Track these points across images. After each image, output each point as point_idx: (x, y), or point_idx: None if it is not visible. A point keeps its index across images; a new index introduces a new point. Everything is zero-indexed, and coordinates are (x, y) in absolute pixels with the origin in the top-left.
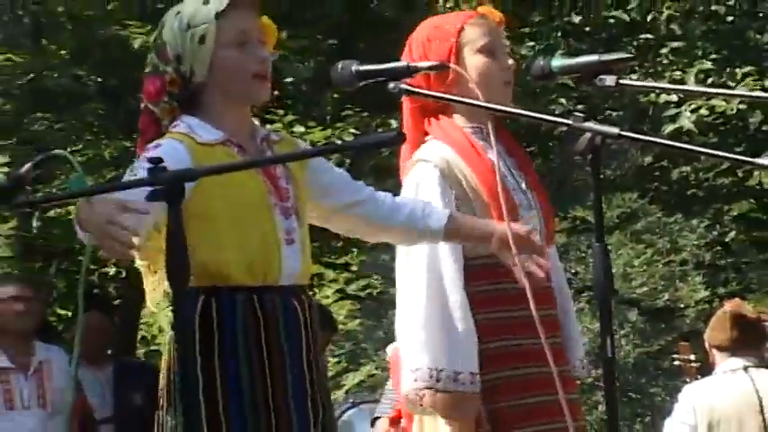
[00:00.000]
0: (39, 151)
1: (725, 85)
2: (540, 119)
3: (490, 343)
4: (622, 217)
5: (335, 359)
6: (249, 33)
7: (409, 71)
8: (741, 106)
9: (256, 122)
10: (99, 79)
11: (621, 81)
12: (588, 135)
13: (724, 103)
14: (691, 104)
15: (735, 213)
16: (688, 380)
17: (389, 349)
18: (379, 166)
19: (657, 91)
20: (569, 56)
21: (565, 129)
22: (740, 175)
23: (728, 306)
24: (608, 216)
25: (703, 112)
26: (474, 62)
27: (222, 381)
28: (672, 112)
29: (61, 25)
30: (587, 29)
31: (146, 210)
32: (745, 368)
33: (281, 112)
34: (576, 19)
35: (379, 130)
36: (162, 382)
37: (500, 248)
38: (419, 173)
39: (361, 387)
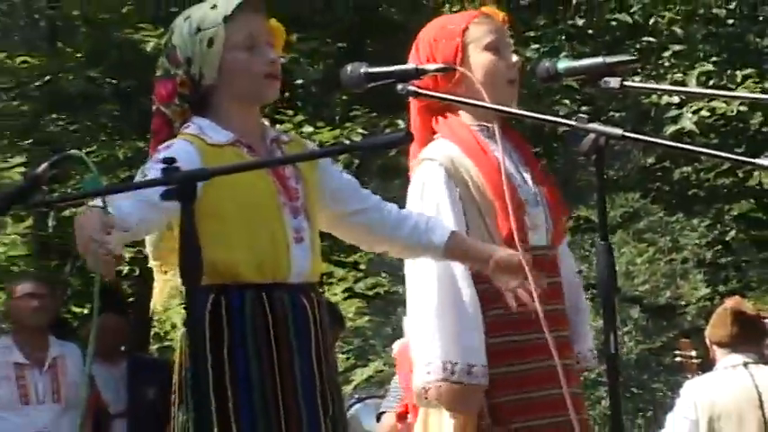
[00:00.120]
0: (54, 152)
1: (725, 87)
2: (546, 120)
3: (490, 339)
4: (625, 216)
5: (344, 356)
6: (257, 36)
7: (417, 73)
8: (741, 108)
9: (266, 123)
10: (113, 81)
11: (625, 83)
12: (592, 136)
13: (724, 104)
14: (692, 106)
15: (735, 213)
16: (689, 376)
17: (396, 346)
18: (386, 165)
19: (659, 93)
20: (574, 58)
21: (569, 129)
22: (740, 175)
23: (729, 303)
24: (611, 215)
25: (704, 113)
26: (479, 60)
27: (232, 377)
28: (673, 113)
29: (76, 28)
30: (591, 32)
31: (128, 228)
32: (745, 364)
33: (290, 112)
34: (580, 22)
35: (387, 130)
36: (174, 378)
37: (494, 272)
38: (425, 172)
39: (370, 383)
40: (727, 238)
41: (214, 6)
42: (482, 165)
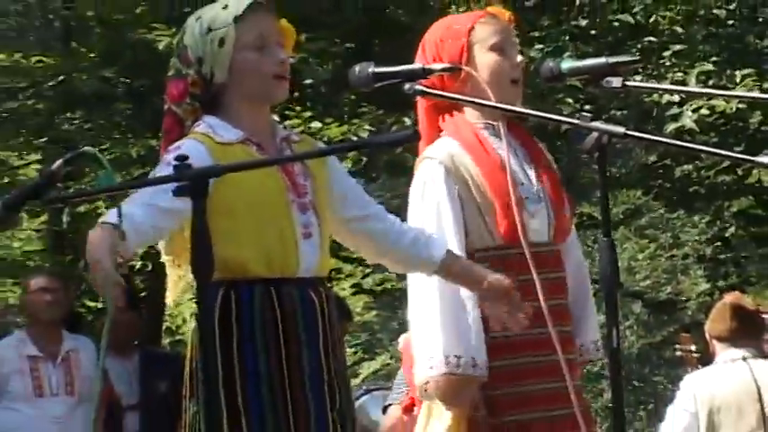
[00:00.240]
0: (69, 149)
1: (725, 87)
2: (549, 119)
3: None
4: (627, 213)
5: (352, 349)
6: (267, 36)
7: (424, 73)
8: (740, 106)
9: (277, 123)
10: (127, 81)
11: (627, 83)
12: (595, 134)
13: (724, 103)
14: (692, 104)
15: (735, 210)
16: (689, 369)
17: (401, 340)
18: (393, 162)
19: (660, 92)
20: (577, 58)
21: (572, 128)
22: (740, 172)
23: (728, 298)
24: (613, 212)
25: (704, 111)
26: (484, 60)
27: (241, 370)
28: (674, 111)
29: (91, 29)
30: (594, 32)
31: (129, 257)
32: (744, 358)
33: (298, 108)
34: (583, 23)
35: (394, 127)
36: (185, 371)
37: (485, 295)
38: (425, 170)
39: (377, 376)
40: (726, 235)
41: (225, 7)
42: (482, 163)
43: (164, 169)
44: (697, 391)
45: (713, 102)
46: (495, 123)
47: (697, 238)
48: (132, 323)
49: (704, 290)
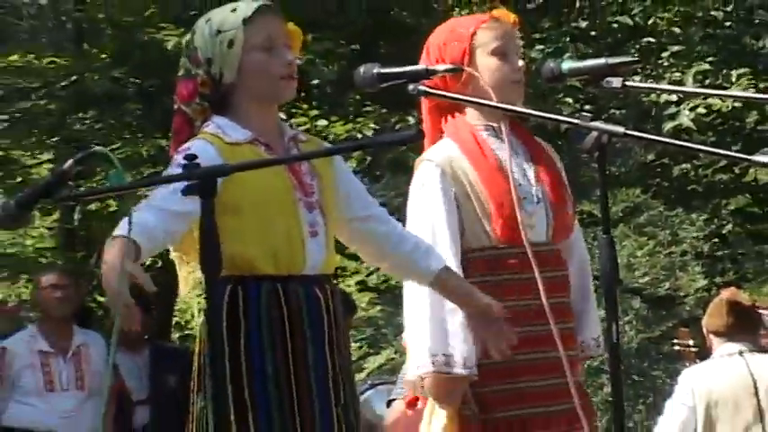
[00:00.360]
0: (80, 149)
1: (721, 86)
2: (550, 118)
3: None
4: (626, 211)
5: (357, 344)
6: (275, 38)
7: (427, 73)
8: (736, 105)
9: (284, 123)
10: (137, 81)
11: (627, 83)
12: (595, 134)
13: (720, 101)
14: (689, 103)
15: (732, 207)
16: (687, 364)
17: (405, 335)
18: (396, 161)
19: (659, 92)
20: (577, 59)
21: (572, 127)
22: (737, 171)
23: (725, 294)
24: (613, 210)
25: (701, 110)
26: (485, 64)
27: (247, 365)
28: (672, 110)
29: (102, 30)
30: (593, 33)
31: (149, 286)
32: (741, 353)
33: (305, 106)
34: (583, 24)
35: (398, 126)
36: (194, 366)
37: (474, 317)
38: (423, 172)
39: (382, 370)
40: (724, 232)
41: (234, 9)
42: (479, 165)
43: (174, 170)
44: (695, 385)
45: (710, 101)
46: (495, 124)
47: (695, 235)
48: (142, 322)
49: (702, 286)
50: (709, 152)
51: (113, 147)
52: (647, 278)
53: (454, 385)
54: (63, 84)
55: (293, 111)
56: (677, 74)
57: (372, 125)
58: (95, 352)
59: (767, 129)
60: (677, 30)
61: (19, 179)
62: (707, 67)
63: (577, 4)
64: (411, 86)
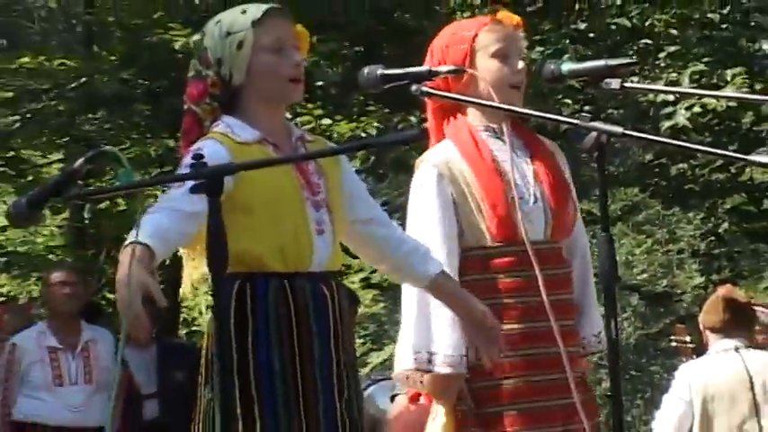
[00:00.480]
0: (90, 149)
1: (716, 85)
2: (551, 119)
3: None
4: (625, 210)
5: (361, 340)
6: (284, 40)
7: (430, 74)
8: (731, 104)
9: (292, 123)
10: (145, 82)
11: (625, 84)
12: (594, 134)
13: (714, 101)
14: (684, 103)
15: (728, 206)
16: (684, 359)
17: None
18: (399, 160)
19: (657, 93)
20: (577, 61)
21: (572, 128)
22: (733, 171)
23: (721, 291)
24: (611, 209)
25: (697, 109)
26: (486, 66)
27: (254, 359)
28: (668, 110)
29: (111, 33)
30: (592, 35)
31: (161, 300)
32: (736, 348)
33: (309, 105)
34: (582, 26)
35: (400, 125)
36: (202, 360)
37: (468, 323)
38: (421, 174)
39: (384, 366)
40: (720, 230)
41: (244, 11)
42: (475, 165)
43: (184, 170)
44: (692, 381)
45: (705, 100)
46: (495, 125)
47: (692, 233)
48: (151, 315)
49: (698, 283)
50: (706, 152)
51: (122, 146)
52: (644, 275)
53: (448, 382)
54: (73, 85)
55: (298, 110)
56: (674, 74)
57: (376, 124)
58: (103, 347)
59: (763, 129)
60: (674, 32)
61: (30, 178)
62: (702, 67)
63: (577, 7)
64: (414, 87)
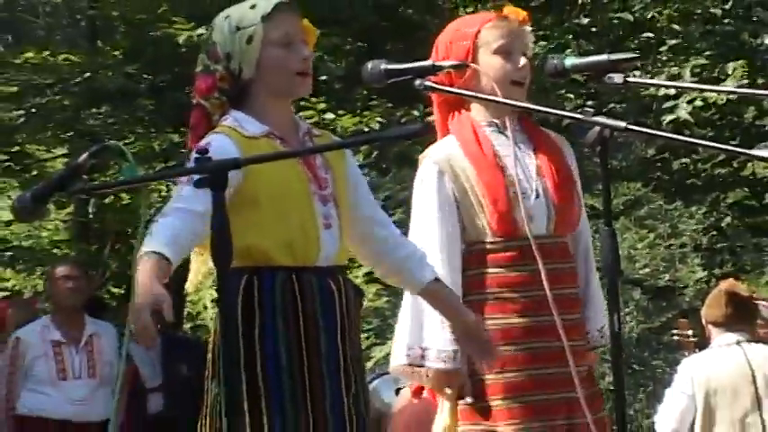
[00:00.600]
0: (94, 143)
1: (717, 78)
2: (554, 113)
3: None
4: (627, 204)
5: (364, 335)
6: (293, 34)
7: (433, 69)
8: (731, 97)
9: (299, 118)
10: (149, 77)
11: (628, 79)
12: (597, 128)
13: (715, 94)
14: (686, 96)
15: (730, 201)
16: (686, 353)
17: None
18: (402, 154)
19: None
20: (579, 56)
21: (575, 122)
22: (735, 165)
23: (723, 285)
24: (614, 203)
25: (698, 103)
26: (488, 63)
27: (262, 353)
28: (670, 104)
29: (115, 28)
30: (595, 29)
31: (169, 316)
32: (738, 342)
33: (313, 99)
34: (585, 21)
35: (403, 119)
36: (208, 354)
37: (460, 332)
38: (423, 170)
39: (387, 360)
40: (722, 225)
41: (253, 6)
42: (476, 161)
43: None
44: (694, 375)
45: (706, 93)
46: (498, 120)
47: (694, 227)
48: (155, 311)
49: (701, 277)
50: (708, 146)
51: (126, 141)
52: (647, 270)
53: (446, 377)
54: (77, 80)
55: (301, 104)
56: (675, 68)
57: (379, 119)
58: (106, 342)
59: (765, 123)
60: (677, 27)
61: (34, 173)
62: (704, 61)
63: (579, 1)
64: (417, 82)
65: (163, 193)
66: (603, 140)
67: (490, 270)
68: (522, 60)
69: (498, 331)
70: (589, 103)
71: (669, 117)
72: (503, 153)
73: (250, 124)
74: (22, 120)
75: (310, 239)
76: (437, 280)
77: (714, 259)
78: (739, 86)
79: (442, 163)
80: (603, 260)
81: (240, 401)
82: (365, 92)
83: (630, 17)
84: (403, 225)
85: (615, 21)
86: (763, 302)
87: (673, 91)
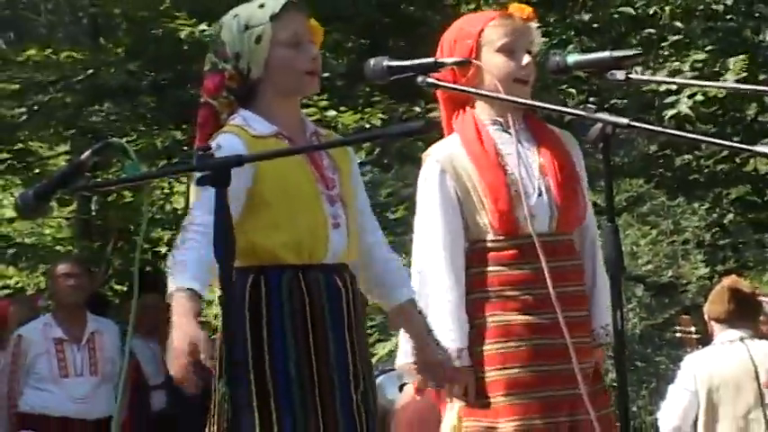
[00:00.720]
0: (97, 140)
1: (718, 73)
2: (556, 110)
3: (476, 320)
4: (630, 200)
5: (368, 331)
6: (301, 34)
7: (436, 66)
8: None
9: (306, 118)
10: (151, 74)
11: (630, 76)
12: (599, 125)
13: (715, 89)
14: (687, 91)
15: (733, 197)
16: (689, 350)
17: None
18: (404, 150)
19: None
20: (582, 52)
21: (577, 119)
22: (738, 161)
23: (726, 282)
24: (617, 200)
25: (699, 98)
26: (491, 61)
27: (270, 352)
28: (671, 99)
29: (117, 25)
30: (596, 26)
31: (206, 361)
32: (741, 339)
33: (315, 97)
34: (587, 17)
35: (405, 116)
36: (216, 353)
37: (419, 360)
38: (425, 168)
39: (391, 356)
40: (725, 221)
41: (262, 5)
42: (477, 159)
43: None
44: (697, 371)
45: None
46: (502, 118)
47: (697, 224)
48: (159, 308)
49: (703, 274)
50: (710, 143)
51: (128, 138)
52: (649, 266)
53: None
54: (79, 77)
55: (303, 101)
56: (676, 63)
57: (380, 116)
58: (108, 339)
59: (767, 120)
60: (679, 24)
61: (37, 170)
62: (704, 56)
63: None
64: (420, 78)
65: (165, 191)
66: (606, 137)
67: (492, 268)
68: (526, 58)
69: (500, 328)
70: (591, 99)
71: (671, 112)
72: (505, 151)
73: (258, 124)
74: (24, 117)
75: (319, 239)
76: (411, 301)
77: (717, 255)
78: (739, 82)
79: (444, 162)
80: (606, 257)
81: (250, 401)
82: (367, 89)
83: (632, 11)
84: (405, 222)
85: (616, 17)
86: (766, 298)
87: (673, 86)
